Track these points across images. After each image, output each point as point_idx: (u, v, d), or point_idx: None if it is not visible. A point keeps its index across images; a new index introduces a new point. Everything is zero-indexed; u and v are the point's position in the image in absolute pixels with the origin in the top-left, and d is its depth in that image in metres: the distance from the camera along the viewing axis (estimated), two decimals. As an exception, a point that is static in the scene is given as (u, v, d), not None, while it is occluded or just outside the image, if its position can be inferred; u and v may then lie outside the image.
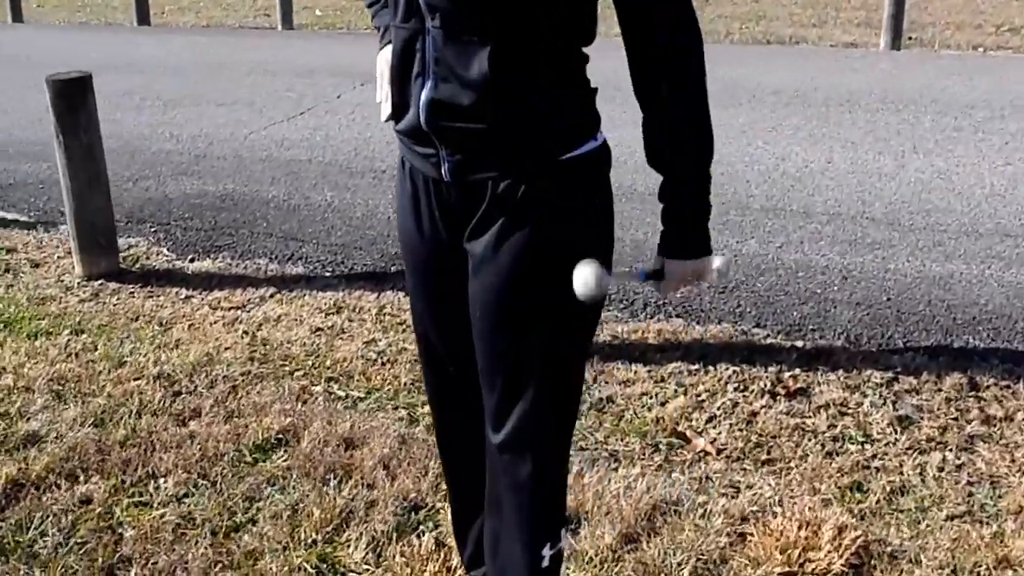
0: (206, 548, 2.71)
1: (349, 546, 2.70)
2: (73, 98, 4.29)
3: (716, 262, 1.98)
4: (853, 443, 3.15)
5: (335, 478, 2.99)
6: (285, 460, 3.10)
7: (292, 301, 4.24)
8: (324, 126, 6.89)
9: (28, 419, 3.34)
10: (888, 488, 2.92)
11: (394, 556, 2.65)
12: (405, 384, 3.54)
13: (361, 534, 2.74)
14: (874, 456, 3.08)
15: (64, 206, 4.57)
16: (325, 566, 2.64)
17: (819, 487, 2.93)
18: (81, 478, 3.03)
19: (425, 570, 2.60)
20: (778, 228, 4.73)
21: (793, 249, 4.49)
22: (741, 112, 6.71)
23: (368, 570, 2.61)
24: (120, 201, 5.42)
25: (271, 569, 2.62)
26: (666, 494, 2.89)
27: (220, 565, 2.65)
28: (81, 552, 2.72)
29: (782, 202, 5.05)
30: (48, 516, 2.86)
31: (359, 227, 5.05)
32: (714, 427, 3.25)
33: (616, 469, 3.04)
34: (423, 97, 1.87)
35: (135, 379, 3.58)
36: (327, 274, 4.52)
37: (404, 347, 3.80)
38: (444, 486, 2.73)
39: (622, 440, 3.19)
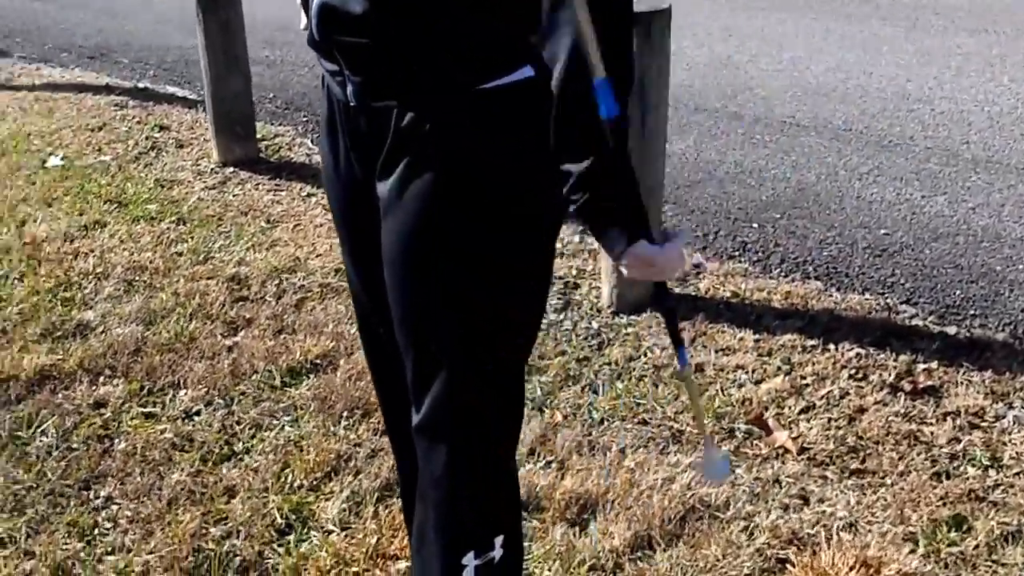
0: (187, 476, 2.49)
1: (329, 498, 2.41)
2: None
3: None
4: (974, 465, 2.54)
5: (350, 418, 2.70)
6: (311, 389, 2.83)
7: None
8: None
9: (88, 308, 3.23)
10: (997, 532, 2.33)
11: (366, 520, 2.33)
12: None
13: (346, 486, 2.44)
14: (995, 486, 2.48)
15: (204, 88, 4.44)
16: (295, 518, 2.36)
17: (909, 515, 2.37)
18: (104, 378, 2.88)
19: (392, 542, 2.27)
20: (980, 185, 3.99)
21: (987, 213, 3.77)
22: (998, 42, 5.79)
23: (333, 531, 2.31)
24: (287, 86, 5.29)
25: (238, 511, 2.37)
26: (713, 494, 2.42)
27: (190, 497, 2.43)
28: (66, 459, 2.57)
29: (1000, 154, 4.27)
30: (55, 415, 2.72)
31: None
32: (807, 420, 2.72)
33: (668, 453, 2.58)
34: (314, 2, 1.49)
35: (208, 278, 3.41)
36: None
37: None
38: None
39: (694, 419, 2.72)
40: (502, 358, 1.66)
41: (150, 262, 3.50)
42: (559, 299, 3.30)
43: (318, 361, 2.94)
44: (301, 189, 4.17)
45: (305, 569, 2.21)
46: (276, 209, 3.97)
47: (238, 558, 2.25)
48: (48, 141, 4.67)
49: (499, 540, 1.81)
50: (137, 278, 3.41)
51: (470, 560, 1.78)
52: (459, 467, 1.72)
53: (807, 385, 2.85)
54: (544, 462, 2.54)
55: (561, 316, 3.21)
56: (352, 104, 1.55)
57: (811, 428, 2.68)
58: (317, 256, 3.57)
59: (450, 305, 1.58)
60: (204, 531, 2.32)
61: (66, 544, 2.31)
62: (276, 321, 3.14)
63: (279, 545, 2.29)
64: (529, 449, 2.59)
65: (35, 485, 2.49)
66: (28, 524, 2.38)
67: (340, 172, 1.68)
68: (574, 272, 3.45)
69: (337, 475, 2.49)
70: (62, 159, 4.40)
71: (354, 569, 2.20)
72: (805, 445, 2.62)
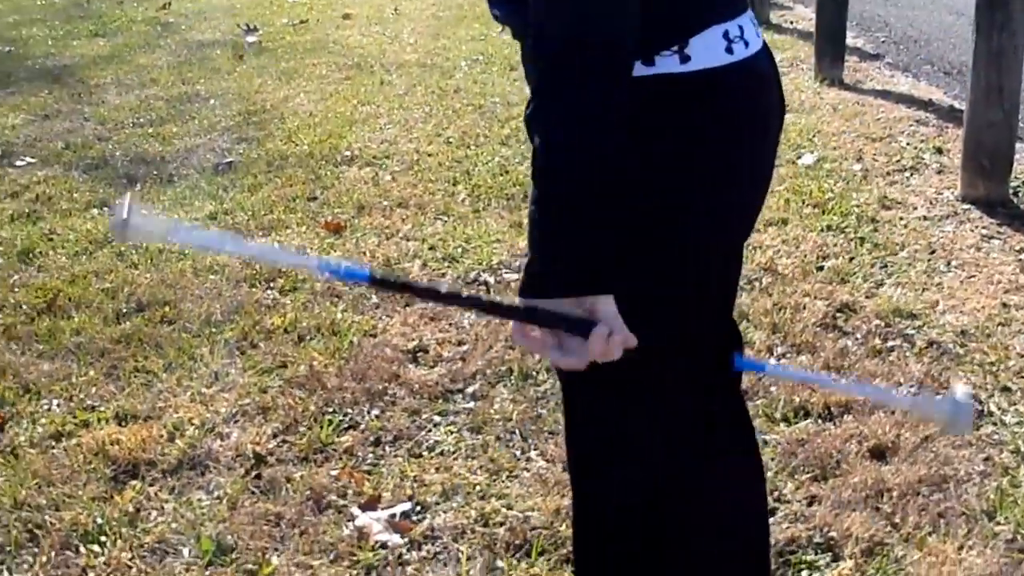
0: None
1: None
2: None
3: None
4: None
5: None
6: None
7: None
8: None
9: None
10: None
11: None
12: None
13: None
14: None
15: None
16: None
17: None
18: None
19: None
20: None
21: None
22: None
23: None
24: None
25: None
26: None
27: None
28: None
29: None
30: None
31: None
32: None
33: None
34: None
35: (811, 296, 3.22)
36: None
37: None
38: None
39: None
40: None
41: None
42: None
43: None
44: (1020, 244, 3.64)
45: None
46: (966, 255, 3.55)
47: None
48: (822, 142, 4.71)
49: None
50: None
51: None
52: (575, 483, 1.57)
53: None
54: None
55: None
56: None
57: None
58: (943, 311, 3.14)
59: None
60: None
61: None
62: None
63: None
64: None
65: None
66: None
67: None
68: None
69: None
70: (817, 159, 4.43)
71: None
72: None
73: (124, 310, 3.40)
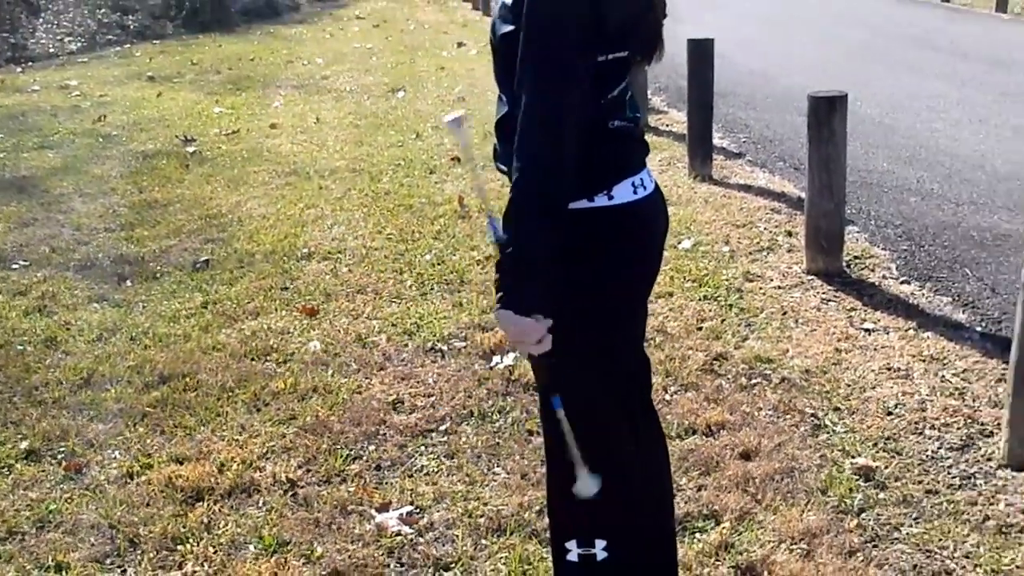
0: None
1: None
2: (820, 113, 4.85)
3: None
4: None
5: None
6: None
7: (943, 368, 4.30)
8: None
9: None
10: None
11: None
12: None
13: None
14: None
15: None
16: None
17: None
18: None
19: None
20: None
21: None
22: None
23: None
24: (911, 215, 5.72)
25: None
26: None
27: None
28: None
29: None
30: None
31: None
32: None
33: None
34: None
35: (692, 349, 4.22)
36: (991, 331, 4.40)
37: None
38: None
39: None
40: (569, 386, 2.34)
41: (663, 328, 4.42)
42: (961, 440, 3.52)
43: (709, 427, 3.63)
44: (850, 305, 4.71)
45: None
46: (809, 314, 4.60)
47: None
48: (696, 229, 5.78)
49: (600, 543, 2.46)
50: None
51: (573, 547, 2.48)
52: (548, 459, 2.46)
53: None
54: None
55: (949, 454, 3.45)
56: None
57: None
58: (792, 356, 4.17)
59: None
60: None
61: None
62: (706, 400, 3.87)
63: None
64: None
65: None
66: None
67: None
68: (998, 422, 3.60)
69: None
70: (693, 243, 5.49)
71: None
72: None
73: (151, 382, 4.23)
